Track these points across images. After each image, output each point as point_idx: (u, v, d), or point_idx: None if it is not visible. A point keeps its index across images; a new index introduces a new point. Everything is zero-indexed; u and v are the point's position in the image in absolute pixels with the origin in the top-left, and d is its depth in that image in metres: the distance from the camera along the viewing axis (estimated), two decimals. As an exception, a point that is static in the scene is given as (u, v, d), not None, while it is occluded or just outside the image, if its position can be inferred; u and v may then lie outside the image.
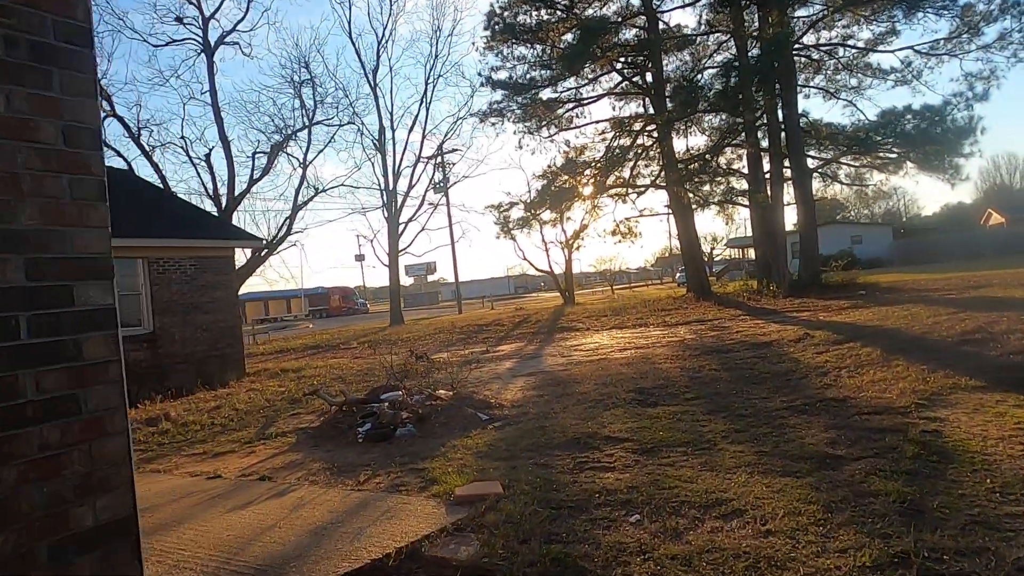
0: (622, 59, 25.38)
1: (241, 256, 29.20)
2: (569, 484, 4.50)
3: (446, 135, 34.48)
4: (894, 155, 22.17)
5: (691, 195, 25.26)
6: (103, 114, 22.98)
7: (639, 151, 25.83)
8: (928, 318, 10.29)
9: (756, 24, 21.68)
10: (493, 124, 26.32)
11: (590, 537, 3.51)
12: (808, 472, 4.23)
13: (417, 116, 33.12)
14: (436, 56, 33.61)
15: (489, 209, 27.46)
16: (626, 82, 26.29)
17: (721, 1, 21.67)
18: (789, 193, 24.37)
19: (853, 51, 23.37)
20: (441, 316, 36.74)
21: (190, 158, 25.14)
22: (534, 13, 24.55)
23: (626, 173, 26.46)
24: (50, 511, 1.80)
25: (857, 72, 23.91)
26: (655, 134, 25.23)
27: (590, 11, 24.12)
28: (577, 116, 27.17)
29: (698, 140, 29.03)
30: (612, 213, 27.42)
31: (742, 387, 7.29)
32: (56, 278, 1.91)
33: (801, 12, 22.50)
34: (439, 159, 33.91)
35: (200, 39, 25.11)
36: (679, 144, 25.60)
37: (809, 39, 23.71)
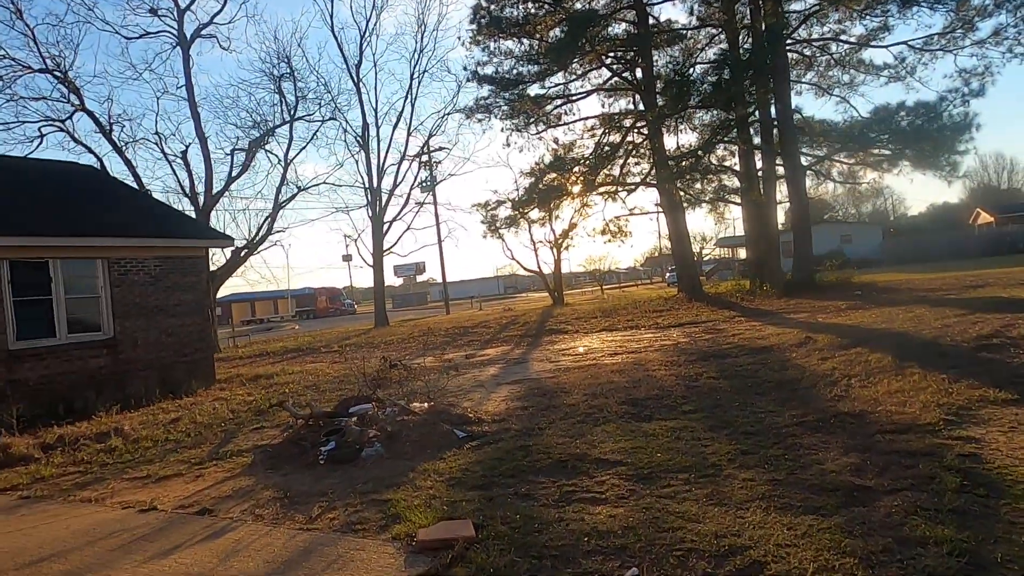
0: (611, 54, 24.78)
1: (221, 257, 28.44)
2: (554, 522, 3.83)
3: (431, 132, 33.70)
4: (888, 152, 21.72)
5: (682, 193, 24.72)
6: (71, 108, 22.11)
7: (629, 148, 25.25)
8: (936, 320, 9.72)
9: (748, 18, 21.14)
10: (480, 120, 25.62)
11: (578, 601, 2.85)
12: (835, 509, 3.58)
13: (402, 112, 32.40)
14: (421, 51, 32.87)
15: (476, 208, 26.78)
16: (616, 78, 25.69)
17: (713, -7, 21.15)
18: (780, 192, 23.93)
19: (846, 46, 22.89)
20: (428, 317, 36.00)
21: (165, 155, 24.34)
22: (521, 6, 23.88)
23: (616, 171, 25.88)
24: None
25: (850, 68, 23.44)
26: (645, 131, 24.65)
27: (579, 4, 23.50)
28: (566, 113, 26.55)
29: (689, 138, 28.48)
30: (602, 212, 26.94)
31: (745, 398, 6.66)
32: None
33: (795, 6, 22.02)
34: (426, 157, 33.16)
35: (175, 32, 24.23)
36: (669, 142, 25.06)
37: (801, 34, 23.25)
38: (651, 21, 24.04)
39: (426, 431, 6.11)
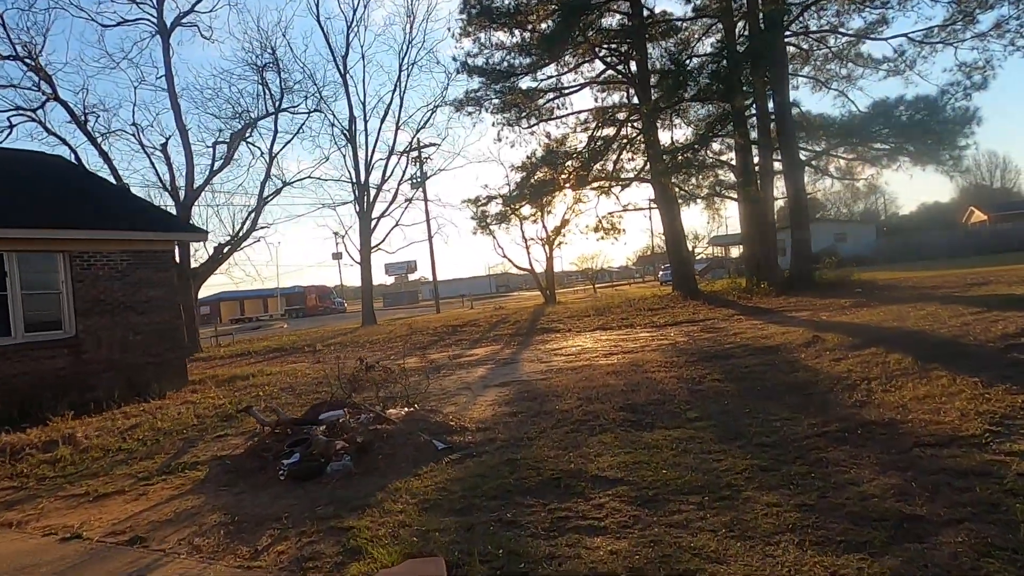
0: (605, 46, 24.16)
1: (203, 253, 27.59)
2: (543, 559, 3.18)
3: (420, 124, 32.97)
4: (887, 147, 21.22)
5: (678, 188, 24.14)
6: (43, 97, 21.22)
7: (623, 142, 24.63)
8: (952, 319, 9.15)
9: (746, 6, 20.54)
10: (470, 113, 24.91)
11: None
12: (885, 545, 2.95)
13: (390, 105, 31.58)
14: (410, 42, 32.12)
15: (466, 203, 26.10)
16: (609, 71, 25.06)
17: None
18: (777, 188, 23.38)
19: (845, 39, 22.37)
20: (418, 316, 35.26)
21: (143, 147, 23.57)
22: (513, -5, 23.20)
23: (609, 166, 25.27)
24: None
25: (848, 61, 22.91)
26: (639, 125, 24.05)
27: (572, -7, 22.83)
28: (558, 107, 25.89)
29: (684, 133, 27.86)
30: (595, 208, 26.33)
31: (755, 404, 6.04)
32: None
33: (793, -5, 21.45)
34: (416, 153, 32.44)
35: (155, 20, 23.37)
36: (664, 136, 24.50)
37: (798, 26, 22.71)
38: (645, 13, 23.44)
39: (402, 442, 5.44)
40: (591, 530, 3.53)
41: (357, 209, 28.63)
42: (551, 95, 25.45)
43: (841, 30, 22.24)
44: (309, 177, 28.09)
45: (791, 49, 23.10)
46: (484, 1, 23.06)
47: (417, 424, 5.82)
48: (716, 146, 24.34)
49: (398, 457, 5.19)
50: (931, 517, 3.20)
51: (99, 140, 22.05)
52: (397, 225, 30.78)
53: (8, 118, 21.07)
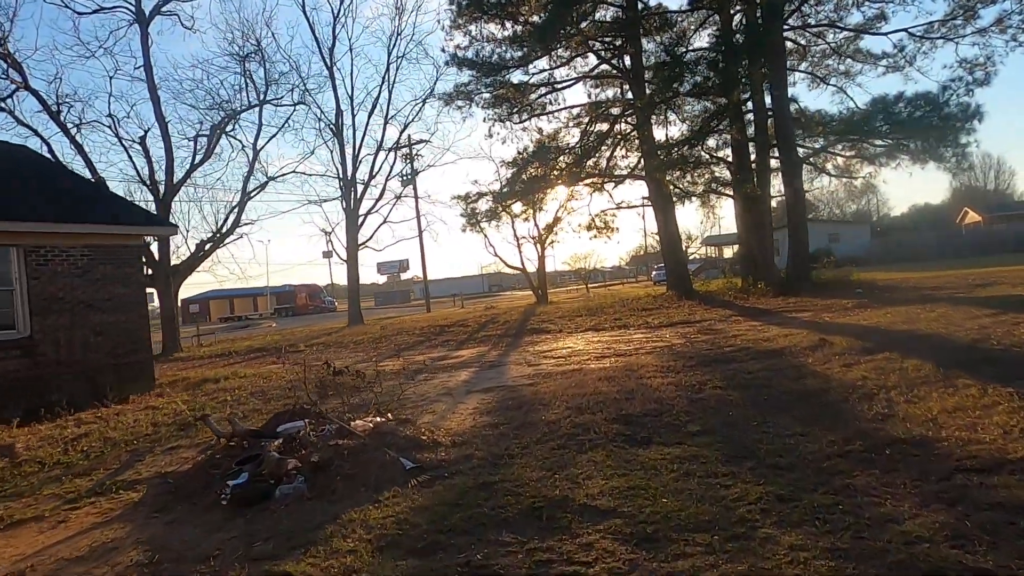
0: (599, 40, 23.54)
1: (185, 250, 26.75)
2: (517, 624, 2.53)
3: (408, 119, 32.22)
4: (887, 144, 20.73)
5: (673, 186, 23.56)
6: (13, 86, 20.34)
7: (617, 138, 24.02)
8: (967, 321, 8.57)
9: (743, -2, 19.97)
10: (460, 107, 24.21)
11: None
12: (949, 613, 2.32)
13: (378, 99, 30.48)
14: (399, 34, 31.26)
15: (456, 200, 25.39)
16: (603, 65, 24.43)
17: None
18: (774, 186, 22.83)
19: (844, 34, 21.84)
20: (407, 315, 34.53)
21: (120, 139, 22.57)
22: (503, -15, 22.53)
23: (603, 162, 24.66)
24: None
25: (847, 57, 22.41)
26: (633, 120, 23.45)
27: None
28: (550, 103, 25.26)
29: (679, 130, 27.29)
30: (588, 206, 25.69)
31: (763, 415, 5.41)
32: None
33: (791, -11, 20.90)
34: (405, 149, 31.72)
35: (133, 8, 22.51)
36: (659, 133, 23.88)
37: (795, 20, 22.17)
38: (640, 5, 22.82)
39: (365, 460, 4.78)
40: (577, 579, 2.88)
41: (344, 205, 27.88)
42: (543, 90, 24.81)
43: (840, 24, 21.74)
44: (294, 172, 27.84)
45: (788, 45, 22.58)
46: (475, -9, 22.40)
47: (384, 439, 5.16)
48: (712, 142, 23.78)
49: (359, 479, 4.53)
50: (1000, 573, 2.57)
51: (73, 131, 21.19)
52: (385, 222, 30.05)
53: (-27, 108, 20.18)
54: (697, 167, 22.15)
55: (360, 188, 28.25)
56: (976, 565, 2.64)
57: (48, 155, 20.39)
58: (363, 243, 28.52)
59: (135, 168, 24.13)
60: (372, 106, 32.27)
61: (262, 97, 25.58)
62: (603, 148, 24.26)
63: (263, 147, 33.21)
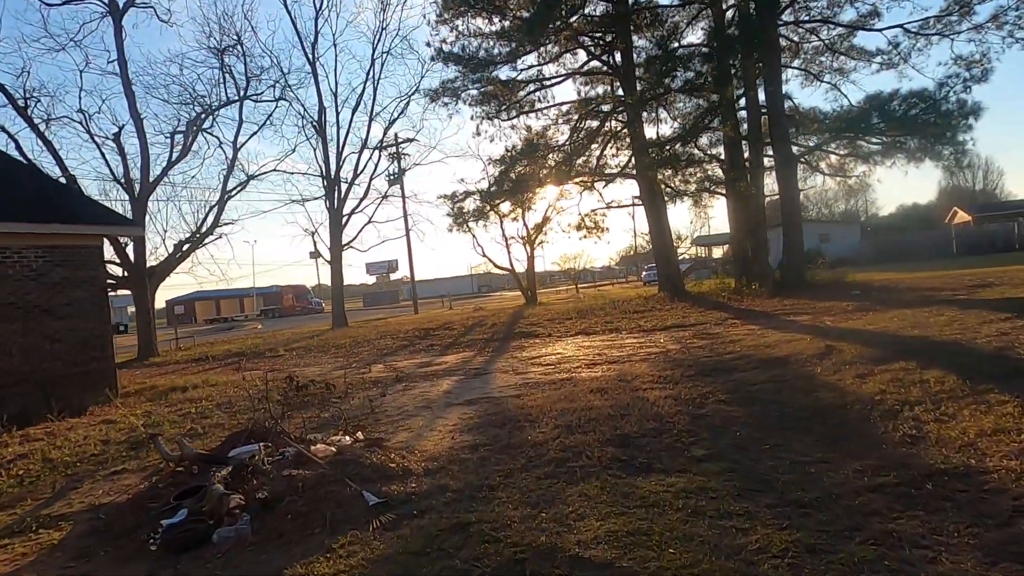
0: (589, 35, 22.97)
1: (164, 251, 25.88)
2: None
3: (393, 116, 31.47)
4: (883, 142, 20.32)
5: (664, 185, 23.05)
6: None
7: (607, 136, 23.47)
8: (981, 326, 8.06)
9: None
10: (446, 104, 23.55)
11: None
12: None
13: (362, 95, 29.66)
14: (384, 28, 30.47)
15: (443, 199, 24.73)
16: (594, 61, 23.87)
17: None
18: (766, 185, 22.39)
19: (838, 30, 21.40)
20: (394, 317, 33.79)
21: (91, 136, 21.66)
22: (491, -22, 21.89)
23: (593, 161, 24.10)
24: None
25: (840, 54, 21.99)
26: (624, 118, 22.91)
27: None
28: (539, 100, 24.67)
29: (671, 128, 26.73)
30: (577, 206, 25.10)
31: (775, 436, 4.83)
32: None
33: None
34: (392, 148, 31.01)
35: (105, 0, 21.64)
36: (650, 131, 23.37)
37: (789, 16, 21.71)
38: (631, 0, 22.28)
39: (323, 495, 4.13)
40: (568, 672, 2.26)
41: (328, 205, 27.13)
42: (532, 87, 24.21)
43: (833, 20, 21.30)
44: (275, 171, 26.73)
45: (781, 42, 22.13)
46: (461, -16, 21.76)
47: (347, 467, 4.51)
48: (704, 140, 23.30)
49: (313, 518, 3.88)
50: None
51: (41, 127, 20.31)
52: (370, 222, 29.34)
53: (-66, 101, 19.25)
54: (689, 165, 21.66)
55: (344, 187, 27.53)
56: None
57: (16, 152, 19.54)
58: (347, 243, 27.79)
59: (108, 166, 23.16)
60: (356, 103, 31.73)
61: (242, 93, 24.82)
62: (593, 146, 23.71)
63: (244, 144, 32.35)
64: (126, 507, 4.69)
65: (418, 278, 40.15)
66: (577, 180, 23.10)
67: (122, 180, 22.71)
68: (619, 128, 23.60)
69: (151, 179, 22.93)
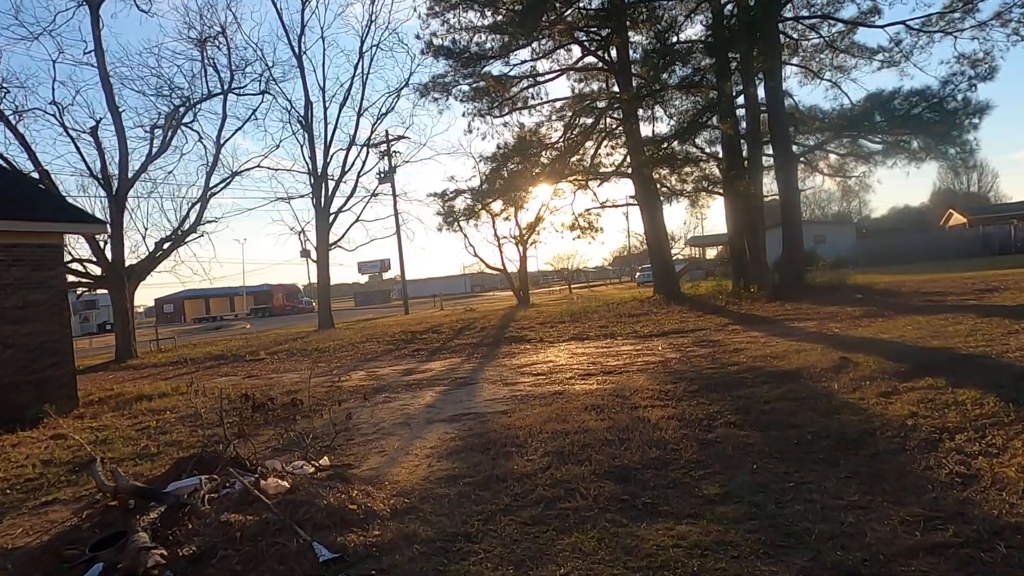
0: (584, 30, 22.32)
1: (145, 249, 24.99)
2: None
3: (382, 111, 30.72)
4: (886, 141, 19.80)
5: (660, 185, 22.44)
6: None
7: (602, 134, 22.83)
8: (1007, 337, 7.44)
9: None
10: (436, 100, 22.86)
11: None
12: None
13: (350, 90, 28.67)
14: (373, 21, 29.71)
15: (432, 198, 24.03)
16: (589, 57, 23.25)
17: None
18: (764, 185, 21.83)
19: (839, 26, 20.84)
20: (383, 318, 33.01)
21: (65, 129, 20.83)
22: (483, -30, 21.22)
23: (587, 159, 23.46)
24: None
25: (840, 52, 21.45)
26: (619, 115, 22.28)
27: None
28: (532, 97, 24.03)
29: (667, 126, 26.15)
30: (571, 205, 24.47)
31: (799, 470, 4.18)
32: None
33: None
34: (383, 145, 30.26)
35: (81, -13, 20.81)
36: (645, 130, 22.73)
37: (788, 12, 21.13)
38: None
39: (264, 548, 3.44)
40: None
41: (314, 203, 26.35)
42: (525, 83, 23.57)
43: (834, 17, 20.75)
44: (259, 167, 25.85)
45: (780, 39, 21.56)
46: (452, -25, 21.07)
47: (299, 510, 3.81)
48: (701, 139, 22.70)
49: (249, 580, 3.19)
50: None
51: (13, 120, 19.46)
52: (358, 220, 28.55)
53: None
54: (686, 164, 21.05)
55: (331, 184, 26.76)
56: None
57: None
58: (335, 242, 27.04)
59: (84, 161, 22.27)
60: (344, 98, 30.74)
61: (226, 86, 24.03)
62: (588, 144, 23.09)
63: (228, 140, 31.39)
64: (39, 554, 3.98)
65: (411, 278, 39.48)
66: (571, 179, 22.44)
67: (99, 176, 21.90)
68: (614, 126, 22.99)
69: (130, 175, 22.12)
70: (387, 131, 29.10)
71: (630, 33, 21.86)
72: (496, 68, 23.00)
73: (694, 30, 22.15)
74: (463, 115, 25.10)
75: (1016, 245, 36.31)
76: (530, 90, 23.75)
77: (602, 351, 11.10)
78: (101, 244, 21.60)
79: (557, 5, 19.27)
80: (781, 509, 3.62)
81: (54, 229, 10.35)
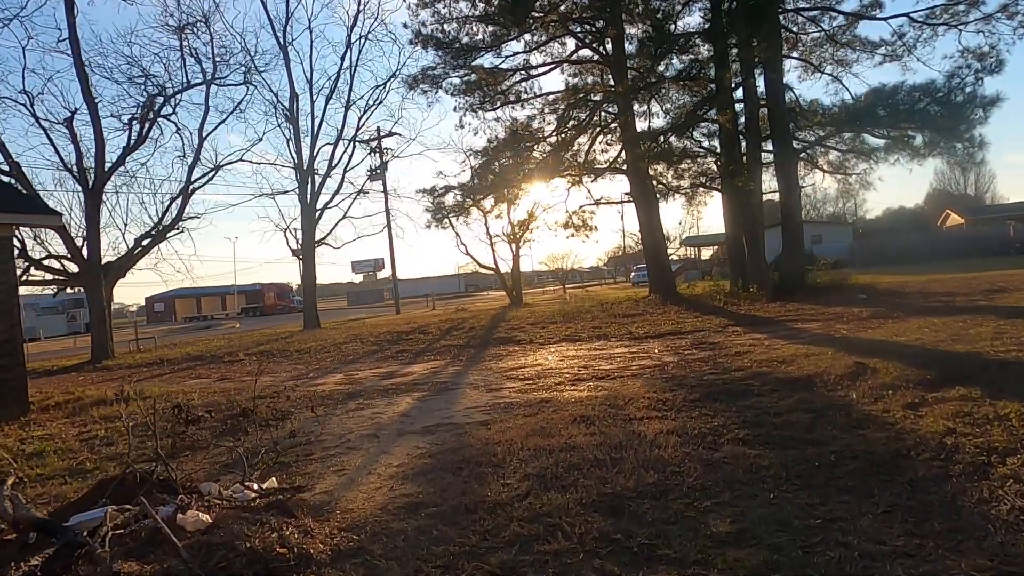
0: (578, 21, 21.64)
1: (124, 245, 24.16)
2: None
3: (370, 103, 29.88)
4: (886, 138, 19.20)
5: (656, 181, 21.78)
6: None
7: (597, 128, 22.15)
8: (1040, 341, 6.80)
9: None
10: (425, 92, 22.12)
11: None
12: None
13: (337, 82, 27.67)
14: (361, 9, 28.88)
15: (421, 194, 23.32)
16: (583, 49, 22.57)
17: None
18: (763, 182, 21.20)
19: (840, 19, 20.22)
20: (372, 318, 32.25)
21: (36, 120, 19.99)
22: (474, -43, 20.50)
23: (581, 155, 22.78)
24: None
25: (842, 45, 20.84)
26: (614, 109, 21.61)
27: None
28: (525, 91, 23.32)
29: (663, 122, 25.46)
30: (565, 202, 23.75)
31: (825, 501, 3.48)
32: None
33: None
34: (373, 142, 29.51)
35: (56, -28, 20.01)
36: (641, 125, 22.07)
37: (789, 4, 20.49)
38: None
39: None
40: None
41: (300, 198, 25.57)
42: (518, 77, 22.87)
43: (836, 8, 20.13)
44: (242, 160, 25.04)
45: (783, 32, 20.92)
46: (442, -36, 20.36)
47: (213, 555, 3.10)
48: (699, 134, 22.05)
49: (130, 656, 2.47)
50: None
51: (-18, 109, 18.61)
52: (345, 217, 27.77)
53: None
54: (683, 159, 20.37)
55: (318, 180, 25.99)
56: None
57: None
58: (321, 240, 26.27)
59: (59, 154, 21.42)
60: (331, 90, 29.88)
61: (208, 77, 23.22)
62: (582, 139, 22.43)
63: (211, 133, 30.46)
64: (-98, 606, 3.25)
65: (405, 277, 38.73)
66: (565, 174, 21.74)
67: (74, 169, 21.07)
68: (609, 120, 22.31)
69: (106, 168, 21.30)
70: (378, 127, 28.35)
71: (626, 25, 21.20)
72: (488, 60, 22.33)
73: (692, 19, 21.47)
74: (454, 109, 24.38)
75: (1014, 246, 35.87)
76: (523, 84, 23.07)
77: (595, 354, 10.41)
78: (78, 241, 20.82)
79: (550, -6, 18.59)
80: (809, 556, 2.92)
81: (3, 220, 9.58)
